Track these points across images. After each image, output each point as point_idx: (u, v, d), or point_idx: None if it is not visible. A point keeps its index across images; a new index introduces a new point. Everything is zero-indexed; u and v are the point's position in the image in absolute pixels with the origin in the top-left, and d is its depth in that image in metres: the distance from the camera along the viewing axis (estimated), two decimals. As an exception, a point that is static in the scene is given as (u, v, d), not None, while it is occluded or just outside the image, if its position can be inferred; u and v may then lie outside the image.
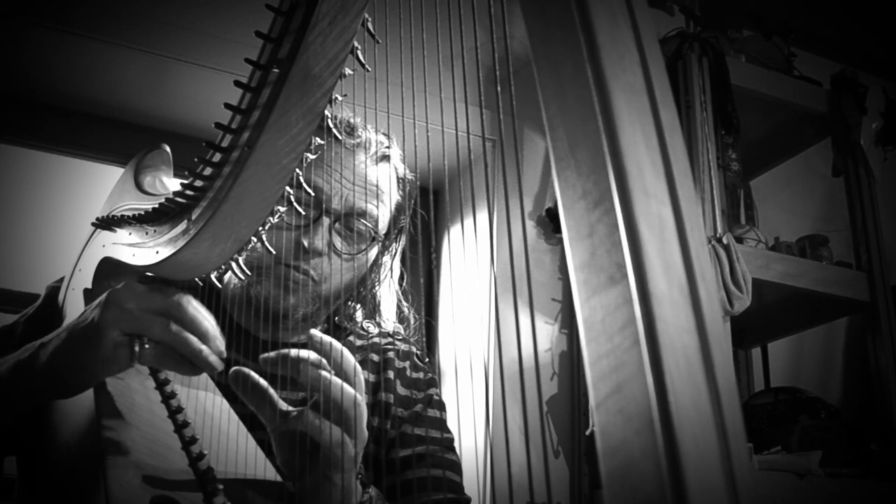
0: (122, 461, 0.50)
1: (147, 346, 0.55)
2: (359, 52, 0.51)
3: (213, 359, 0.55)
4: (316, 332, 0.57)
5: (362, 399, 0.57)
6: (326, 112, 0.52)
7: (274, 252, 0.61)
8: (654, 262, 0.28)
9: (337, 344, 0.57)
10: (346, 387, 0.56)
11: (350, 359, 0.57)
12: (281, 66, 0.49)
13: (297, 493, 0.56)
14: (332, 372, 0.56)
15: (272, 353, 0.56)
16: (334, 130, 0.54)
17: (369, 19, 0.50)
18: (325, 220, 0.76)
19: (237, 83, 0.51)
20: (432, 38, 0.45)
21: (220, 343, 0.57)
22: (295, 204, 0.56)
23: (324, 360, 0.56)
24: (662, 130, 0.31)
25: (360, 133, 0.81)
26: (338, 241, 0.78)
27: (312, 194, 0.73)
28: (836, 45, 2.26)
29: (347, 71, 0.51)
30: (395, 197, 0.84)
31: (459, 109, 0.43)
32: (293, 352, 0.56)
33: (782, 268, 1.67)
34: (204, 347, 0.55)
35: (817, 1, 2.14)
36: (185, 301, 0.57)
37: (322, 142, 0.54)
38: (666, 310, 0.27)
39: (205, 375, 0.65)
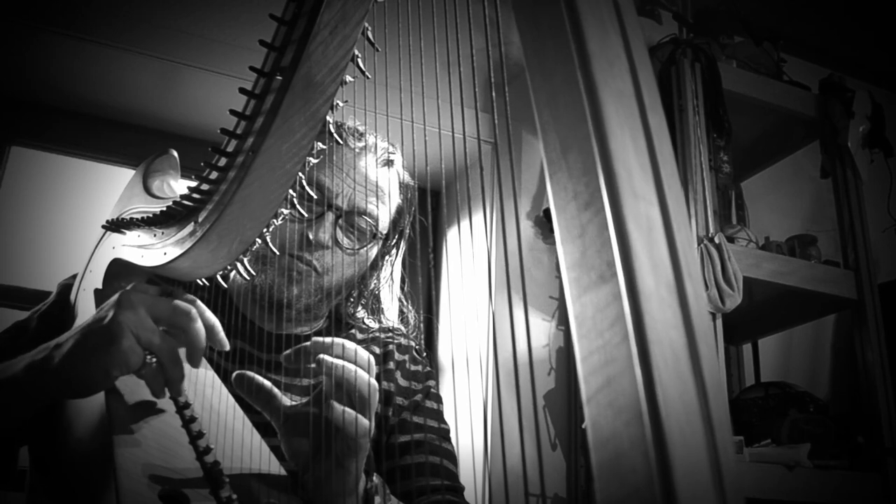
0: (132, 455, 0.51)
1: (154, 360, 0.56)
2: (359, 60, 0.52)
3: (182, 387, 0.58)
4: (318, 339, 0.58)
5: (376, 387, 0.59)
6: (328, 118, 0.53)
7: (278, 252, 0.63)
8: (643, 261, 0.28)
9: (339, 340, 0.59)
10: (364, 374, 0.57)
11: (363, 352, 0.59)
12: (284, 73, 0.50)
13: (309, 481, 0.57)
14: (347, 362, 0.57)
15: (290, 351, 0.58)
16: (335, 135, 0.55)
17: (369, 28, 0.51)
18: (330, 216, 0.79)
19: (242, 90, 0.52)
20: (431, 45, 0.46)
21: (223, 343, 0.59)
22: (297, 201, 0.58)
23: (338, 350, 0.57)
24: (651, 134, 0.31)
25: (367, 138, 0.84)
26: (341, 237, 0.81)
27: (314, 196, 0.76)
28: (824, 50, 2.29)
29: (348, 78, 0.53)
30: (396, 200, 0.87)
31: (458, 113, 0.44)
32: (308, 345, 0.57)
33: (772, 266, 1.69)
34: (182, 386, 0.57)
35: (806, 8, 2.17)
36: (190, 307, 0.57)
37: (324, 146, 0.55)
38: (654, 306, 0.28)
39: (212, 370, 0.67)
